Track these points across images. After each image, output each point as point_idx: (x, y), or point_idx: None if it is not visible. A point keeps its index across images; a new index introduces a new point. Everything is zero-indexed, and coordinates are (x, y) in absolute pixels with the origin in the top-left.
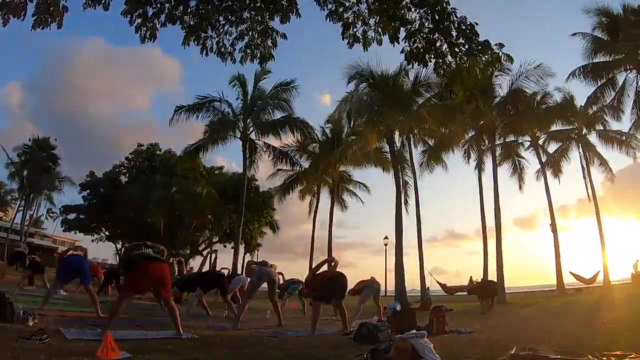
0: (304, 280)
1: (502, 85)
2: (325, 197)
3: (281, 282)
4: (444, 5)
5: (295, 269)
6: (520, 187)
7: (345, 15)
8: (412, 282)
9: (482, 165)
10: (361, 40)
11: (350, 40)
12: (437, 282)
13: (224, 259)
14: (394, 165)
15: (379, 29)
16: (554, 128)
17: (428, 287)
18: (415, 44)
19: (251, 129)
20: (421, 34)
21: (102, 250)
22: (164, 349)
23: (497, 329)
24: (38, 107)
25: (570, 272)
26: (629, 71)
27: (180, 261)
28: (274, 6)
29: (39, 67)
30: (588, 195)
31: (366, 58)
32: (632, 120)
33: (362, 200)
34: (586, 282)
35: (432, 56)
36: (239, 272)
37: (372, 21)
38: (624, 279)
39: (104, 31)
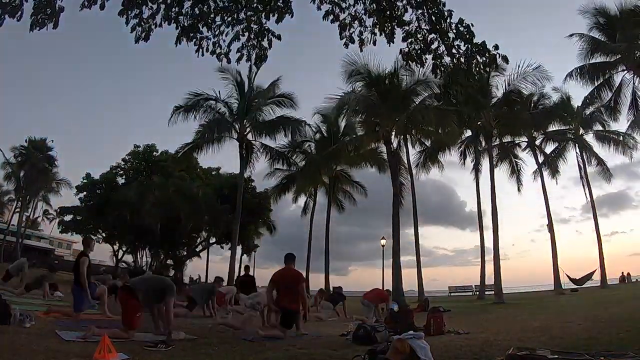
0: None
1: (498, 86)
2: (323, 198)
3: None
4: (440, 7)
5: None
6: (518, 189)
7: (342, 17)
8: (410, 283)
9: (479, 166)
10: (357, 41)
11: (347, 41)
12: None
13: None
14: (391, 165)
15: (376, 30)
16: (551, 128)
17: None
18: (413, 45)
19: (248, 129)
20: (418, 36)
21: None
22: (161, 351)
23: (495, 329)
24: None
25: (567, 274)
26: (625, 72)
27: None
28: (271, 6)
29: None
30: (585, 195)
31: (364, 55)
32: (629, 121)
33: (354, 199)
34: (577, 282)
35: (430, 57)
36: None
37: (369, 22)
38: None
39: None
